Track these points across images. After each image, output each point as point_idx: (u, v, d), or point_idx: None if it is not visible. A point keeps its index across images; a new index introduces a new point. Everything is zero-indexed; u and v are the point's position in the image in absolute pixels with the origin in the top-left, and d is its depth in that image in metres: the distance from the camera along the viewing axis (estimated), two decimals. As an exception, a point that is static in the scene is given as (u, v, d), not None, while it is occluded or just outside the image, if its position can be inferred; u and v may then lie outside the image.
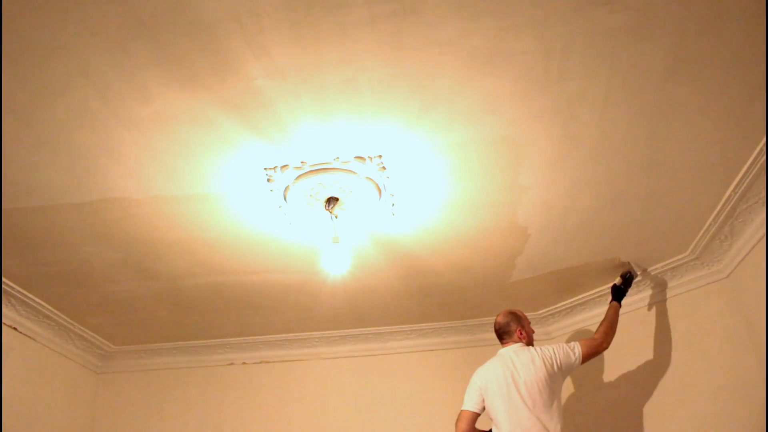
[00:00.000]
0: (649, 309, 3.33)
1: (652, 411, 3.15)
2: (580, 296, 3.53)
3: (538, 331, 3.79)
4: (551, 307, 3.68)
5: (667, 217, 2.73)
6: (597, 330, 2.96)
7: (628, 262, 3.14)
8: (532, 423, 2.52)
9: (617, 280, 3.14)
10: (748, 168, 2.37)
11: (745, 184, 2.46)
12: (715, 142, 2.24)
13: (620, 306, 3.09)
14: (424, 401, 3.68)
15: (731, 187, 2.50)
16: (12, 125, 1.99)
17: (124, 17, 1.61)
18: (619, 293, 3.12)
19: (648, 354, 3.25)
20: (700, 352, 3.04)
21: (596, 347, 2.86)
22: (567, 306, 3.61)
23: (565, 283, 3.37)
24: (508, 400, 2.59)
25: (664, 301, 3.28)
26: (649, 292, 3.32)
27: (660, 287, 3.27)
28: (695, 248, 2.99)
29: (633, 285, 3.31)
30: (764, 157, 2.29)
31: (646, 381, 3.22)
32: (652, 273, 3.24)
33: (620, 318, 3.39)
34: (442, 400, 3.59)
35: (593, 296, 3.47)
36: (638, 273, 3.21)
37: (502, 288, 3.35)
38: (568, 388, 3.56)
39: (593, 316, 3.55)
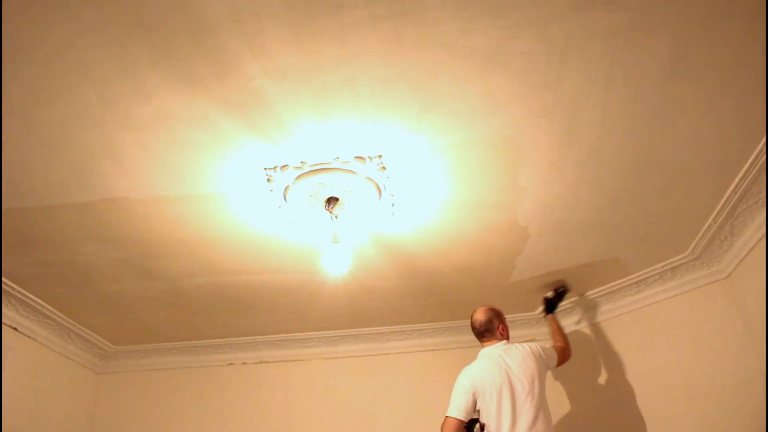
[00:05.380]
0: (649, 309, 3.33)
1: (653, 411, 3.15)
2: (580, 296, 3.52)
3: (538, 331, 3.80)
4: (557, 309, 3.67)
5: (667, 217, 2.73)
6: (557, 341, 3.14)
7: (563, 278, 3.28)
8: (533, 420, 2.54)
9: (549, 294, 3.33)
10: (748, 168, 2.38)
11: (745, 184, 2.46)
12: (715, 142, 2.24)
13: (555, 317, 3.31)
14: (424, 401, 3.68)
15: (731, 187, 2.50)
16: (12, 125, 1.99)
17: (124, 17, 1.61)
18: (551, 306, 3.33)
19: (648, 354, 3.25)
20: (700, 352, 3.04)
21: (567, 356, 3.06)
22: (567, 306, 3.61)
23: (571, 285, 3.36)
24: (507, 400, 2.58)
25: (664, 301, 3.28)
26: (648, 292, 3.32)
27: (660, 287, 3.27)
28: (695, 248, 2.99)
29: (633, 285, 3.32)
30: (764, 157, 2.29)
31: (646, 381, 3.22)
32: (591, 296, 3.35)
33: (620, 318, 3.44)
34: (441, 400, 3.57)
35: (593, 296, 3.47)
36: (571, 290, 3.37)
37: (502, 288, 3.35)
38: (568, 388, 3.56)
39: (593, 316, 3.55)
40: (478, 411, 2.66)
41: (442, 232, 2.76)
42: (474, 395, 2.64)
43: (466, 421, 2.65)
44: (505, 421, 2.55)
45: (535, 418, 2.55)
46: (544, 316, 3.36)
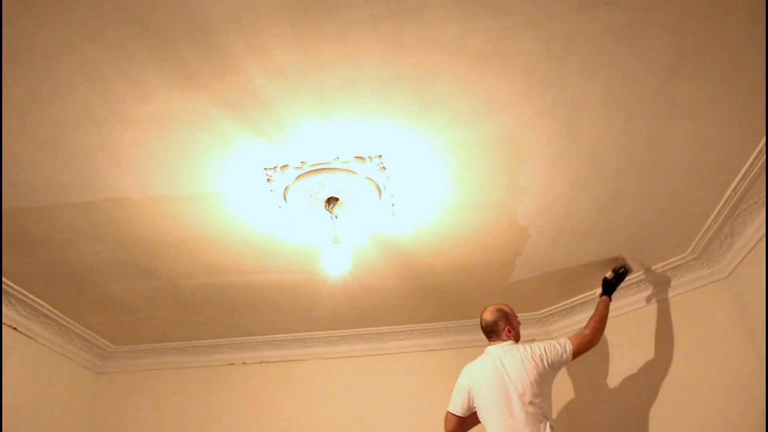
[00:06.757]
0: (649, 309, 3.33)
1: (653, 411, 3.15)
2: (580, 296, 3.53)
3: (538, 331, 3.79)
4: (551, 307, 3.68)
5: (667, 217, 2.73)
6: (587, 325, 2.93)
7: (623, 258, 3.10)
8: (522, 424, 2.51)
9: (608, 274, 3.10)
10: (748, 168, 2.37)
11: (745, 184, 2.46)
12: (715, 142, 2.24)
13: (610, 300, 3.07)
14: (424, 401, 3.68)
15: (731, 187, 2.50)
16: (12, 125, 1.99)
17: (123, 17, 1.61)
18: (609, 287, 3.09)
19: (648, 354, 3.25)
20: (700, 352, 3.04)
21: (587, 343, 2.84)
22: (567, 306, 3.61)
23: (565, 283, 3.36)
24: (499, 401, 2.56)
25: (664, 301, 3.27)
26: (649, 292, 3.32)
27: (660, 287, 3.27)
28: (695, 248, 2.99)
29: (634, 285, 3.32)
30: (764, 157, 2.29)
31: (646, 381, 3.22)
32: (654, 271, 3.24)
33: (621, 318, 3.42)
34: (441, 400, 3.58)
35: (593, 296, 3.47)
36: (632, 269, 3.15)
37: (502, 288, 3.35)
38: (568, 388, 3.56)
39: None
40: (476, 408, 2.69)
41: (442, 232, 2.76)
42: (469, 393, 2.70)
43: (464, 416, 2.71)
44: (495, 422, 2.55)
45: (526, 422, 2.51)
46: (600, 296, 3.12)
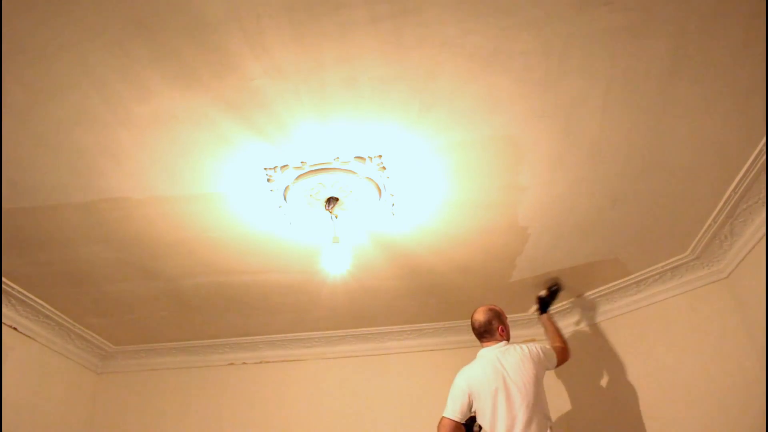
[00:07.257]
0: (649, 309, 3.33)
1: (652, 411, 3.15)
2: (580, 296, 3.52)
3: (538, 332, 3.79)
4: (551, 307, 3.67)
5: (667, 217, 2.73)
6: (554, 342, 3.11)
7: (557, 277, 3.25)
8: (527, 423, 2.52)
9: (543, 292, 3.30)
10: (748, 168, 2.38)
11: (745, 184, 2.46)
12: (715, 142, 2.24)
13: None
14: (424, 401, 3.68)
15: (731, 187, 2.51)
16: (12, 125, 2.00)
17: (124, 17, 1.61)
18: (545, 305, 3.31)
19: (648, 354, 3.25)
20: (700, 352, 3.04)
21: (565, 357, 3.03)
22: (566, 306, 3.61)
23: (565, 283, 3.36)
24: (502, 402, 2.56)
25: (664, 300, 3.28)
26: (649, 292, 3.32)
27: (660, 287, 3.27)
28: (695, 248, 2.99)
29: (633, 285, 3.32)
30: (764, 157, 2.29)
31: (645, 381, 3.22)
32: (590, 296, 3.39)
33: (621, 317, 3.43)
34: (441, 400, 3.58)
35: (593, 296, 3.47)
36: (565, 287, 3.31)
37: (502, 288, 3.35)
38: (566, 389, 3.56)
39: (593, 316, 3.55)
40: (475, 412, 2.67)
41: (442, 231, 2.76)
42: (469, 397, 2.66)
43: (462, 421, 2.67)
44: (499, 423, 2.54)
45: (530, 422, 2.52)
46: (539, 316, 3.33)
